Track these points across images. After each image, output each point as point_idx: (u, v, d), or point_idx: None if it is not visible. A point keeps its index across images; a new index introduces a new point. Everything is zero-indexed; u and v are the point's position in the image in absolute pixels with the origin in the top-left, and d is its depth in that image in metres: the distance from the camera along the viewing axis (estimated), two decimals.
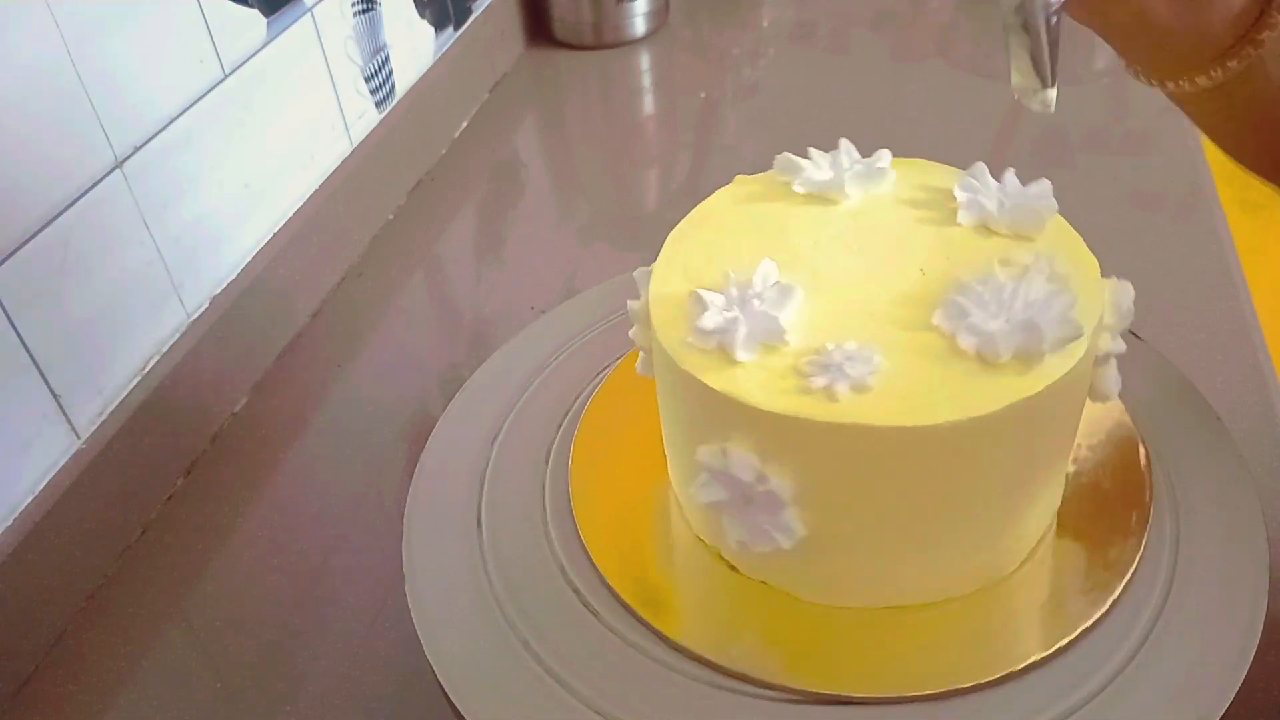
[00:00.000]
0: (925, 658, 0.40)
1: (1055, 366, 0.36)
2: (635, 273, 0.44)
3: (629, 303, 0.44)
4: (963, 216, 0.43)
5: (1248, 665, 0.38)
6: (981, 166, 0.44)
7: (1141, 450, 0.46)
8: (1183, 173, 0.78)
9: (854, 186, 0.45)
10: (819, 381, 0.36)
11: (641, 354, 0.45)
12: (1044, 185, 0.43)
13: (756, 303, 0.39)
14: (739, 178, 0.47)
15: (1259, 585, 0.41)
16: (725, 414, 0.37)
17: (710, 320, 0.38)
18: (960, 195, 0.43)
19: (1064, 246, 0.42)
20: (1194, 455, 0.46)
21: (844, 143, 0.46)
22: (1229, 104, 0.40)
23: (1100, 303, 0.39)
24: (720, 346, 0.38)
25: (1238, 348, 0.60)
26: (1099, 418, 0.48)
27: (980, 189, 0.43)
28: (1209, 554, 0.42)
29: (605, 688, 0.40)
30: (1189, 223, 0.73)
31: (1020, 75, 0.37)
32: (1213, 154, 0.79)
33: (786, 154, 0.46)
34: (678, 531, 0.46)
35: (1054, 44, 0.36)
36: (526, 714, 0.39)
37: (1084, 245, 0.42)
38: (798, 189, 0.46)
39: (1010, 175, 0.44)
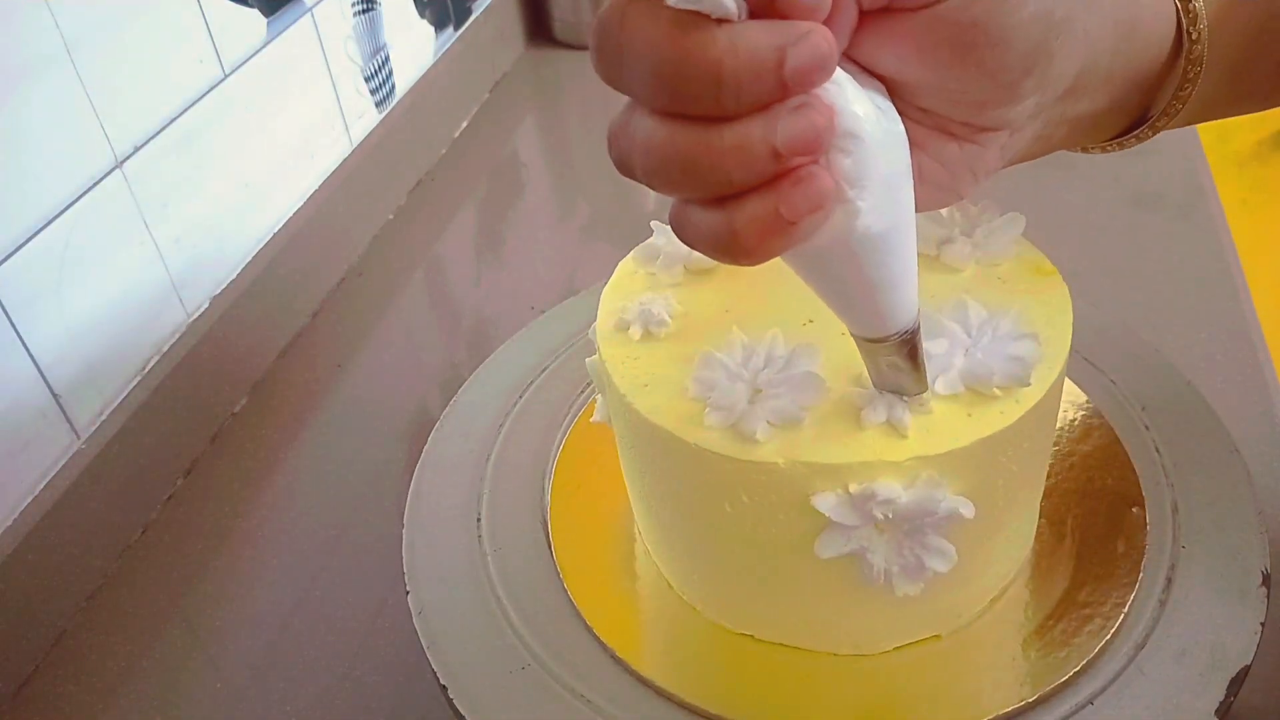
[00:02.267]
0: (891, 703, 0.39)
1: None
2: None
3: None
4: None
5: (1248, 665, 0.38)
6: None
7: (1137, 453, 0.46)
8: (1183, 173, 0.78)
9: None
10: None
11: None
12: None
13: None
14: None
15: (1258, 584, 0.41)
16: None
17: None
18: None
19: None
20: (1194, 455, 0.46)
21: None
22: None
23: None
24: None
25: (1238, 348, 0.60)
26: (1097, 419, 0.48)
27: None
28: (1208, 555, 0.42)
29: (605, 688, 0.40)
30: (1189, 223, 0.72)
31: (890, 385, 0.35)
32: (1213, 154, 0.80)
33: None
34: (645, 563, 0.46)
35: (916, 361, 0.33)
36: (526, 714, 0.39)
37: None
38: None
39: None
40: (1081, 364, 0.50)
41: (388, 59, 0.81)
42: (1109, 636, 0.39)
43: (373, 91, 0.79)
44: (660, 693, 0.39)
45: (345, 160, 0.76)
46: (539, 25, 1.04)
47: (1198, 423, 0.47)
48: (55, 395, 0.53)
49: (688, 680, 0.40)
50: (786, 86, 0.22)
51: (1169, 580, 0.41)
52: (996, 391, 0.35)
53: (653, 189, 0.25)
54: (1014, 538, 0.41)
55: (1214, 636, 0.39)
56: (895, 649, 0.40)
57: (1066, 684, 0.38)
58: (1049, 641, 0.40)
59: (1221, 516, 0.43)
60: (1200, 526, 0.43)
